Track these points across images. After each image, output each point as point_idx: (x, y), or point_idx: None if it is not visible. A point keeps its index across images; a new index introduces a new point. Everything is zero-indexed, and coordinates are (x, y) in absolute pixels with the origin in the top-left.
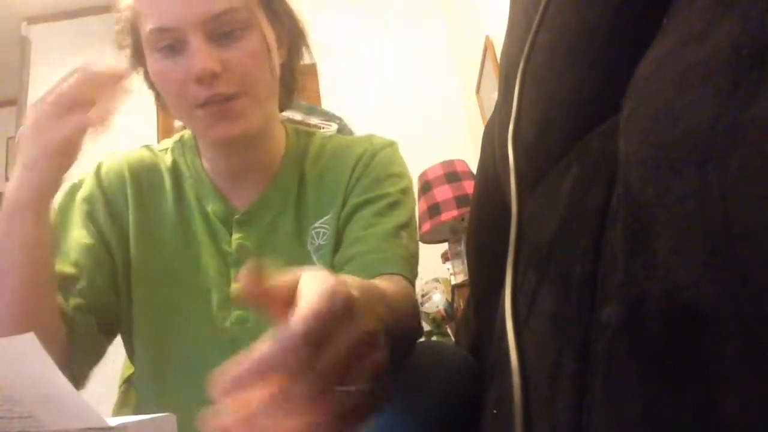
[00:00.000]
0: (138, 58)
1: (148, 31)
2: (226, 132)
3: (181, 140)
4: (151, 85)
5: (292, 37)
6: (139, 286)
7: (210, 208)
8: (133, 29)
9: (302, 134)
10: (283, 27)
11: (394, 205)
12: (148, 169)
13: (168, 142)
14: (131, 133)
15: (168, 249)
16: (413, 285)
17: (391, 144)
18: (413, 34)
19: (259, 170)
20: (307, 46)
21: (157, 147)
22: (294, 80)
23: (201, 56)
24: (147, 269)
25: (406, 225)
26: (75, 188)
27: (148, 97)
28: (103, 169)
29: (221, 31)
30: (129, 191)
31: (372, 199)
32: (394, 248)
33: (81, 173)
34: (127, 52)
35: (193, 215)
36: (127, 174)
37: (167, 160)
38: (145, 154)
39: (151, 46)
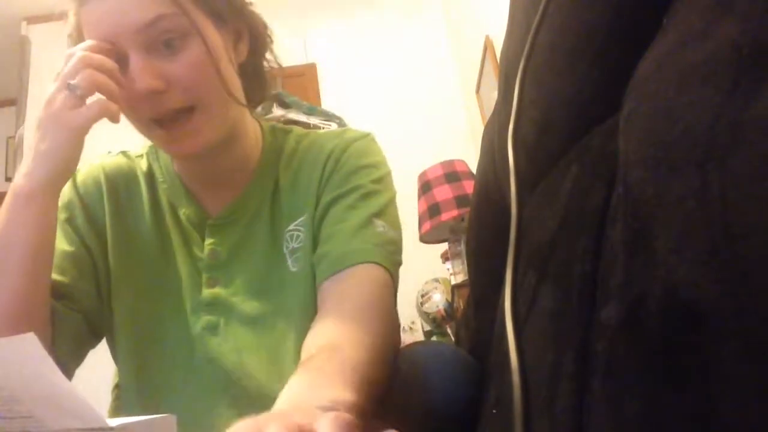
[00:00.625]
0: None
1: None
2: (183, 150)
3: (155, 145)
4: None
5: (252, 33)
6: (118, 292)
7: (182, 212)
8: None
9: (279, 132)
10: (234, 26)
11: (366, 196)
12: (124, 176)
13: (144, 147)
14: (128, 138)
15: (144, 255)
16: (392, 271)
17: (365, 135)
18: (413, 35)
19: (232, 174)
20: (271, 39)
21: (133, 152)
22: (262, 77)
23: (142, 74)
24: (125, 276)
25: (381, 213)
26: None
27: None
28: (80, 177)
29: (159, 42)
30: (106, 198)
31: (343, 194)
32: (366, 237)
33: None
34: None
35: (166, 221)
36: (103, 181)
37: (143, 165)
38: (122, 161)
39: None
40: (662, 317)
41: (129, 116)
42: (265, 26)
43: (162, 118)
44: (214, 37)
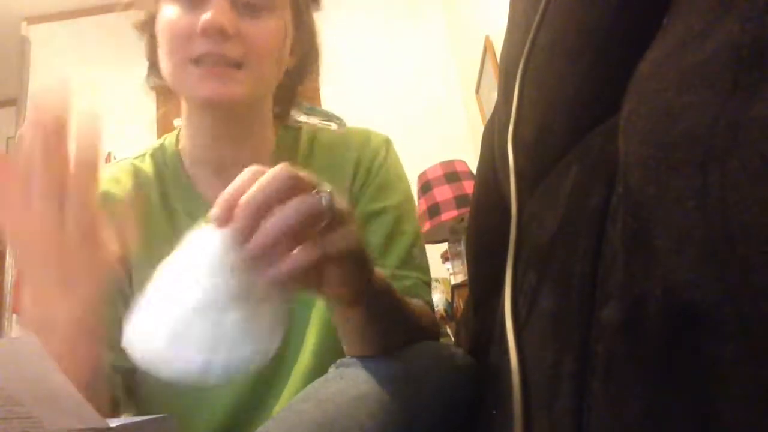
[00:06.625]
0: (148, 23)
1: None
2: (216, 91)
3: (161, 147)
4: (150, 54)
5: (306, 51)
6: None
7: (198, 215)
8: None
9: (290, 130)
10: (301, 35)
11: (401, 220)
12: (133, 183)
13: (147, 148)
14: (131, 145)
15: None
16: (431, 306)
17: (387, 141)
18: (413, 34)
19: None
20: (317, 66)
21: (133, 156)
22: (293, 92)
23: (218, 11)
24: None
25: (415, 241)
26: None
27: (146, 113)
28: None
29: (244, 3)
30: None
31: (378, 211)
32: (410, 273)
33: None
34: (142, 14)
35: (181, 225)
36: (114, 192)
37: (148, 169)
38: (125, 167)
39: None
40: (662, 317)
41: (173, 51)
42: (318, 51)
43: (206, 59)
44: (289, 26)
